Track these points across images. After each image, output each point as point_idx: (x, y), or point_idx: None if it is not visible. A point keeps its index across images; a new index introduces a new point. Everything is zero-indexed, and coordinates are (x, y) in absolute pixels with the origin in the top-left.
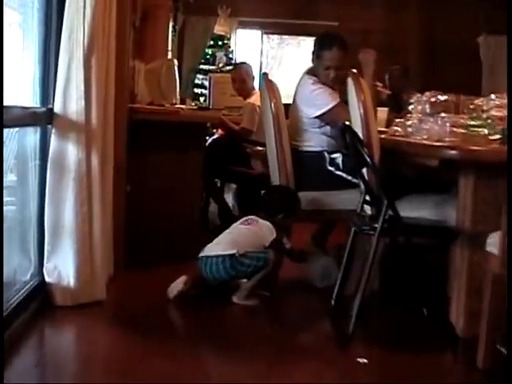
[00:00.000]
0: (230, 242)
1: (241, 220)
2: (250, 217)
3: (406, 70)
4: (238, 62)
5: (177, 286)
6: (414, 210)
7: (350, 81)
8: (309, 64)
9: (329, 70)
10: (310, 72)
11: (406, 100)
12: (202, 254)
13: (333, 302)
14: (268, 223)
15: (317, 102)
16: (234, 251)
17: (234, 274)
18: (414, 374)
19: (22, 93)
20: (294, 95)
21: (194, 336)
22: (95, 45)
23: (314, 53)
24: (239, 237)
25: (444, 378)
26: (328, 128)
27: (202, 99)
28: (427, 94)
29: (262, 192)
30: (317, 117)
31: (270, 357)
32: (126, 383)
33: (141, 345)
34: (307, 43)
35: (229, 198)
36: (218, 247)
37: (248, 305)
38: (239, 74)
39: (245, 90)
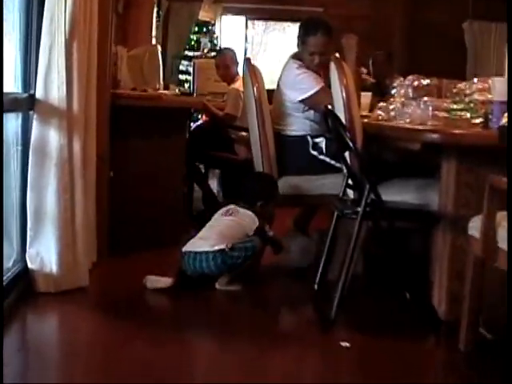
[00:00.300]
0: (217, 236)
1: (221, 211)
2: (230, 207)
3: (389, 55)
4: (221, 48)
5: (158, 283)
6: (396, 194)
7: (332, 65)
8: (294, 50)
9: (313, 55)
10: (295, 57)
11: (388, 85)
12: (188, 249)
13: (316, 287)
14: (249, 212)
15: (301, 86)
16: (223, 246)
17: (225, 269)
18: (396, 358)
19: (4, 78)
20: (279, 79)
21: (177, 321)
22: (76, 30)
23: (299, 38)
24: (225, 229)
25: (426, 361)
26: (312, 112)
27: (186, 85)
28: (410, 77)
29: (242, 180)
30: (300, 101)
31: (253, 341)
32: (109, 368)
33: (123, 331)
34: (292, 29)
35: (213, 184)
36: (206, 243)
37: (231, 290)
38: (223, 60)
39: (229, 76)
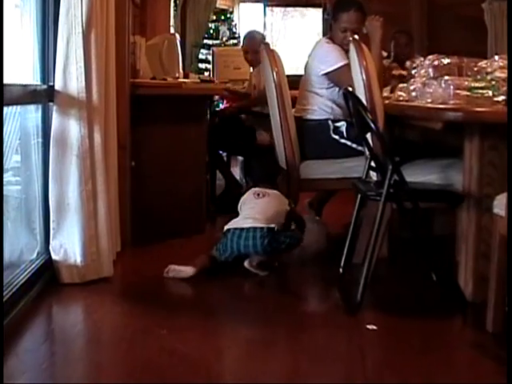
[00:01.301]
0: (262, 216)
1: (250, 194)
2: (256, 189)
3: (411, 36)
4: (249, 31)
5: (180, 273)
6: (419, 174)
7: (351, 47)
8: (313, 35)
9: (345, 32)
10: (328, 37)
11: (409, 67)
12: (232, 226)
13: (341, 270)
14: (277, 192)
15: (327, 58)
16: (272, 225)
17: (268, 250)
18: (423, 339)
19: (22, 71)
20: (308, 57)
21: (203, 309)
22: (93, 21)
23: (332, 16)
24: (267, 211)
25: (454, 343)
26: (335, 92)
27: (206, 74)
28: (430, 57)
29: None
30: (326, 74)
31: (280, 325)
32: (134, 358)
33: (148, 320)
34: (311, 14)
35: (236, 171)
36: (253, 221)
37: (259, 274)
38: (253, 45)
39: (258, 61)
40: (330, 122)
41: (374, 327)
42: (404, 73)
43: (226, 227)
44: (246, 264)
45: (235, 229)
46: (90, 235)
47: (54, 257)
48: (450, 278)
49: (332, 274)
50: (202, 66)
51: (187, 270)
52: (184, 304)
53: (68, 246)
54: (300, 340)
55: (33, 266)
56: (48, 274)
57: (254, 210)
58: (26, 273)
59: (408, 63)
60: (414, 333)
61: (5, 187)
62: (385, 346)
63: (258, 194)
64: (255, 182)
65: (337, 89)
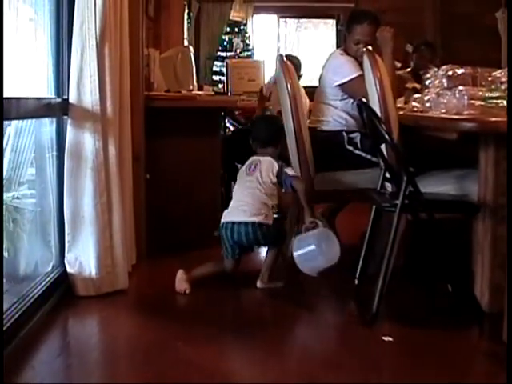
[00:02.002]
0: (248, 208)
1: (245, 167)
2: (253, 159)
3: (435, 50)
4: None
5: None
6: (435, 185)
7: (365, 58)
8: (327, 46)
9: (359, 44)
10: (342, 49)
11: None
12: (224, 220)
13: (356, 281)
14: (268, 158)
15: (341, 70)
16: (261, 219)
17: (262, 243)
18: (439, 350)
19: (37, 84)
20: (322, 69)
21: (218, 321)
22: (107, 34)
23: (346, 28)
24: (254, 202)
25: (470, 353)
26: (349, 104)
27: (220, 86)
28: (444, 67)
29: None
30: (340, 85)
31: (295, 337)
32: (149, 370)
33: (164, 332)
34: (325, 26)
35: None
36: (243, 215)
37: (276, 286)
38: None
39: None
40: (344, 133)
41: (390, 338)
42: (418, 86)
43: (222, 220)
44: (258, 285)
45: (227, 223)
46: (105, 247)
47: (69, 269)
48: (466, 289)
49: (347, 285)
50: (216, 78)
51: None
52: (200, 316)
53: (83, 258)
54: (316, 351)
55: (48, 278)
56: (63, 286)
57: (243, 200)
58: (41, 285)
59: (422, 73)
60: (430, 344)
61: (20, 200)
62: (401, 358)
63: (250, 167)
64: None
65: (351, 100)
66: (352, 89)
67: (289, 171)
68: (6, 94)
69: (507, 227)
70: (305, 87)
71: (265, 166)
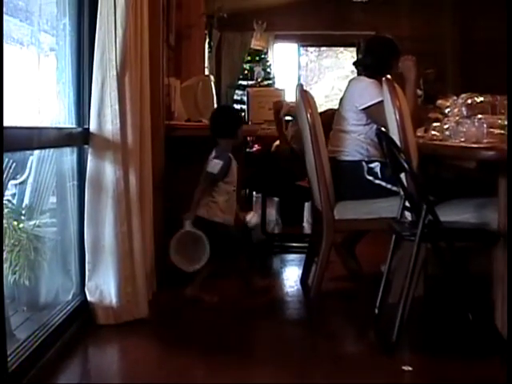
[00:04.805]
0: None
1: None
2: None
3: (439, 73)
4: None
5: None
6: (454, 214)
7: (384, 87)
8: (348, 74)
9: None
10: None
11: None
12: None
13: (376, 310)
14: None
15: (367, 92)
16: None
17: None
18: (459, 380)
19: (58, 114)
20: (344, 94)
21: (239, 350)
22: (128, 64)
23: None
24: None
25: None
26: (373, 130)
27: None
28: (463, 96)
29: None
30: (365, 108)
31: (316, 366)
32: None
33: (184, 360)
34: (345, 54)
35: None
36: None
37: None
38: None
39: None
40: (363, 163)
41: (410, 368)
42: (441, 117)
43: None
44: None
45: None
46: (125, 276)
47: (89, 298)
48: (486, 319)
49: (367, 314)
50: (237, 106)
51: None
52: (220, 345)
53: (104, 287)
54: (336, 380)
55: (68, 307)
56: (83, 315)
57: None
58: (61, 314)
59: (440, 102)
60: (450, 374)
61: (41, 229)
62: None
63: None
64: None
65: (374, 126)
66: (377, 112)
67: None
68: (27, 124)
69: (507, 253)
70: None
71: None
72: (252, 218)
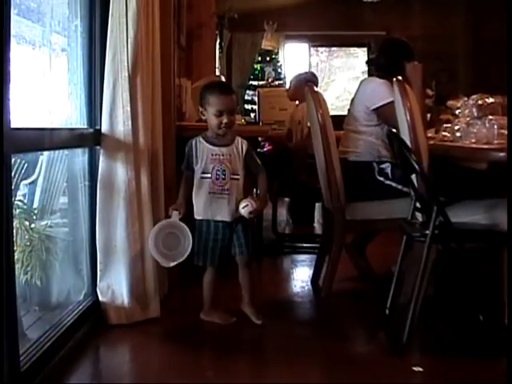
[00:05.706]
0: None
1: None
2: None
3: (451, 74)
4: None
5: (214, 318)
6: (465, 215)
7: (395, 88)
8: (358, 75)
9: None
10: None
11: (452, 107)
12: None
13: (387, 311)
14: None
15: (379, 92)
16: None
17: None
18: (470, 381)
19: (70, 115)
20: (355, 94)
21: (250, 350)
22: (139, 65)
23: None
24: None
25: None
26: (384, 130)
27: (252, 115)
28: (474, 97)
29: None
30: (377, 108)
31: (325, 366)
32: None
33: (195, 361)
34: (357, 54)
35: (282, 212)
36: None
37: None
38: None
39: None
40: (374, 164)
41: (420, 369)
42: (451, 118)
43: None
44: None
45: None
46: (137, 276)
47: (101, 298)
48: (497, 319)
49: (378, 315)
50: (248, 107)
51: (222, 317)
52: (231, 345)
53: (115, 287)
54: (346, 381)
55: (80, 306)
56: (95, 315)
57: None
58: (73, 314)
59: (451, 103)
60: (460, 374)
61: (52, 229)
62: None
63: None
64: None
65: (385, 127)
66: (388, 113)
67: None
68: (39, 125)
69: (507, 255)
70: (337, 116)
71: None
72: (243, 207)
